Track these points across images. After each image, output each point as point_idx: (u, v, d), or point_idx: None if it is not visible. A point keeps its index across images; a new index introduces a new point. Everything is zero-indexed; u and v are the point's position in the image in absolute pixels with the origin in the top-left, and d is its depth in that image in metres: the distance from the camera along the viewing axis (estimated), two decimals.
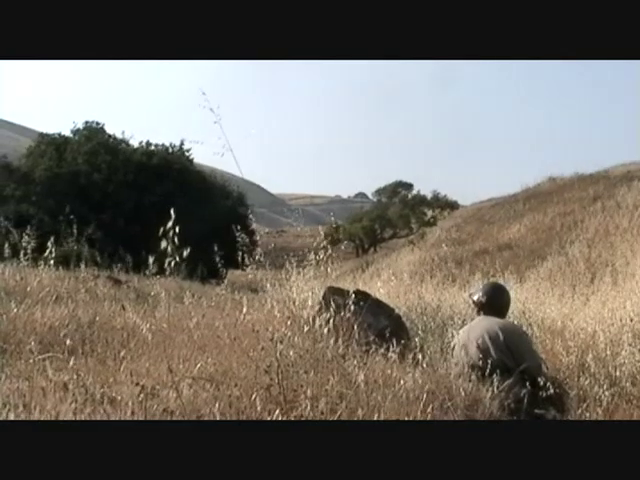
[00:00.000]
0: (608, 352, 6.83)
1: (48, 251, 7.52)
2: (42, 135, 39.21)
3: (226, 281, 10.66)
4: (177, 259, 4.06)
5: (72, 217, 12.57)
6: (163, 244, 3.96)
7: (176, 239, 3.97)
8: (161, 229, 3.96)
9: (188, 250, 4.15)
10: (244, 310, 5.74)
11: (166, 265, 4.08)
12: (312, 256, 6.58)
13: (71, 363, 4.22)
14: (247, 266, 6.40)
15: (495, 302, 6.18)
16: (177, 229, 3.96)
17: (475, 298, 6.30)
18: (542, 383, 5.35)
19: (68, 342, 5.01)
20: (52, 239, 7.72)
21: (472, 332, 6.01)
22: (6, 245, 9.60)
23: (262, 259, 6.38)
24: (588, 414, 5.46)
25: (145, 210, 30.74)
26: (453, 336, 6.65)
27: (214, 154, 4.95)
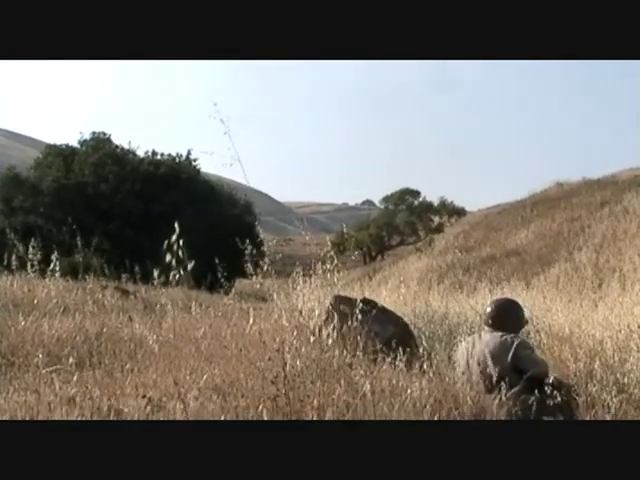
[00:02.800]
0: (616, 359, 6.81)
1: (53, 263, 7.51)
2: (50, 146, 39.38)
3: (233, 290, 10.66)
4: (181, 272, 4.08)
5: (80, 227, 12.60)
6: (168, 257, 3.99)
7: (180, 252, 3.99)
8: (165, 242, 3.98)
9: (192, 263, 4.17)
10: (251, 320, 5.73)
11: (171, 278, 4.10)
12: (319, 266, 6.58)
13: (78, 377, 4.24)
14: (254, 275, 6.40)
15: (501, 317, 6.12)
16: (181, 242, 3.99)
17: (487, 314, 6.24)
18: (549, 391, 5.33)
19: (75, 354, 5.03)
20: (56, 251, 7.72)
21: (474, 347, 5.97)
22: (14, 257, 9.64)
23: (269, 268, 6.38)
24: None
25: (152, 220, 30.78)
26: (457, 345, 6.60)
27: (223, 165, 4.96)
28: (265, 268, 6.15)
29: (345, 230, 54.27)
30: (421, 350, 5.97)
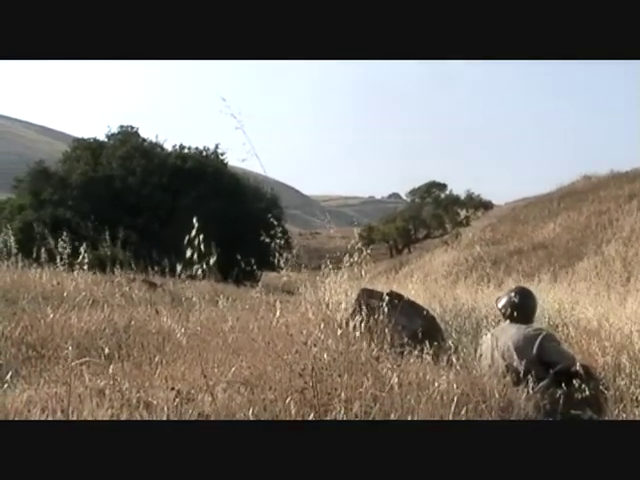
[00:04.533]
0: None
1: (81, 256, 7.53)
2: (78, 140, 39.56)
3: (260, 283, 10.68)
4: (204, 266, 4.10)
5: (107, 220, 12.68)
6: (188, 253, 4.01)
7: (202, 247, 4.02)
8: (186, 238, 4.02)
9: (214, 258, 4.19)
10: (278, 313, 5.74)
11: (194, 272, 4.12)
12: (346, 258, 6.58)
13: (107, 369, 4.27)
14: (281, 268, 6.41)
15: (521, 308, 6.09)
16: (201, 237, 4.02)
17: (500, 305, 6.22)
18: (577, 384, 5.30)
19: (105, 347, 5.07)
20: (85, 244, 7.75)
21: (498, 340, 5.95)
22: (43, 250, 9.73)
23: (296, 261, 6.39)
24: (625, 415, 5.41)
25: (180, 213, 30.84)
26: (482, 339, 6.59)
27: (237, 160, 4.96)
28: (288, 261, 6.16)
29: (371, 223, 54.09)
30: (448, 343, 5.93)
